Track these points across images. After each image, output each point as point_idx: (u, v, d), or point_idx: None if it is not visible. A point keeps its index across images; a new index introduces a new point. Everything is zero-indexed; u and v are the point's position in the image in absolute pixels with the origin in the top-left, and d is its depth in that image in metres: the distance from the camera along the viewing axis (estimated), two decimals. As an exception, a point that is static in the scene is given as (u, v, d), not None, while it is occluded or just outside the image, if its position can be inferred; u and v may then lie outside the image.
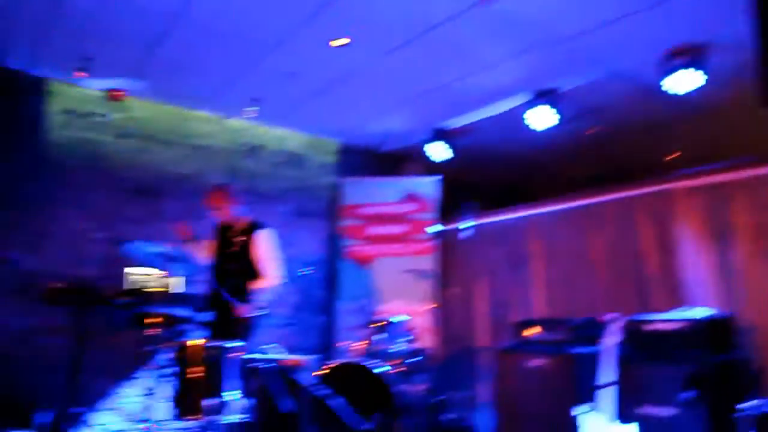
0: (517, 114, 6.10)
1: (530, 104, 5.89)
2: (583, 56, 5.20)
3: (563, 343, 4.82)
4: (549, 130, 5.95)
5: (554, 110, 5.80)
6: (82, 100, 6.04)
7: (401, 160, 7.94)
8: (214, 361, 4.30)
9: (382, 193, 7.27)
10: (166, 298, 4.71)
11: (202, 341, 4.41)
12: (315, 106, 6.36)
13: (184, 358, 4.35)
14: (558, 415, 4.48)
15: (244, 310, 4.79)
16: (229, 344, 4.38)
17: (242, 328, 4.76)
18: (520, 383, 4.91)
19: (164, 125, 6.44)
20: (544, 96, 5.82)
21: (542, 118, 5.88)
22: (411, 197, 7.22)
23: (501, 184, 8.57)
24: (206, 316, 5.18)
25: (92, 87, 6.02)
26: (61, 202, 5.84)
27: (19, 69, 5.69)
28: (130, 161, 6.24)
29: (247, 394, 4.41)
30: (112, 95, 6.06)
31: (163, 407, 4.59)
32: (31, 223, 5.67)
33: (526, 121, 5.94)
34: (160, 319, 4.54)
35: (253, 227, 5.13)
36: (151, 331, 4.71)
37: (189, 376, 4.30)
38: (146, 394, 4.70)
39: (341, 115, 6.69)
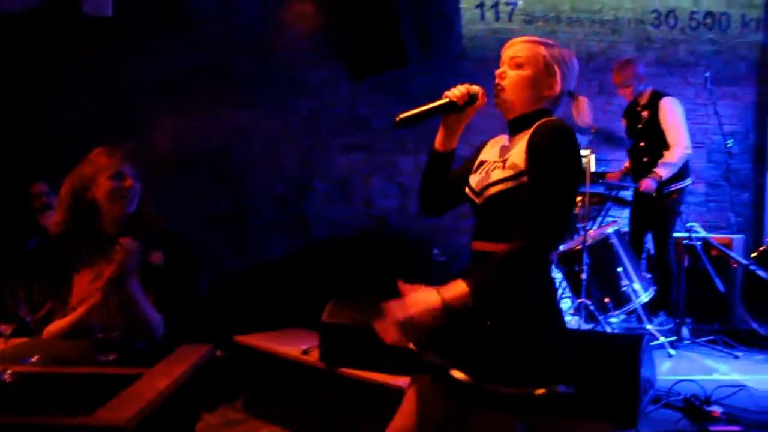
0: None
1: None
2: None
3: None
4: None
5: None
6: (490, -9, 6.27)
7: None
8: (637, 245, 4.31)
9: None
10: (589, 177, 4.76)
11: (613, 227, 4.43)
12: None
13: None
14: None
15: (648, 185, 4.62)
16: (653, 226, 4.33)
17: (663, 208, 4.65)
18: None
19: (569, 4, 6.35)
20: None
21: None
22: None
23: None
24: (626, 195, 5.19)
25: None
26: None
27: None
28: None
29: (676, 274, 4.36)
30: (517, -19, 6.19)
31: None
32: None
33: None
34: (586, 198, 4.60)
35: (656, 98, 4.88)
36: (576, 211, 4.85)
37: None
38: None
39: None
